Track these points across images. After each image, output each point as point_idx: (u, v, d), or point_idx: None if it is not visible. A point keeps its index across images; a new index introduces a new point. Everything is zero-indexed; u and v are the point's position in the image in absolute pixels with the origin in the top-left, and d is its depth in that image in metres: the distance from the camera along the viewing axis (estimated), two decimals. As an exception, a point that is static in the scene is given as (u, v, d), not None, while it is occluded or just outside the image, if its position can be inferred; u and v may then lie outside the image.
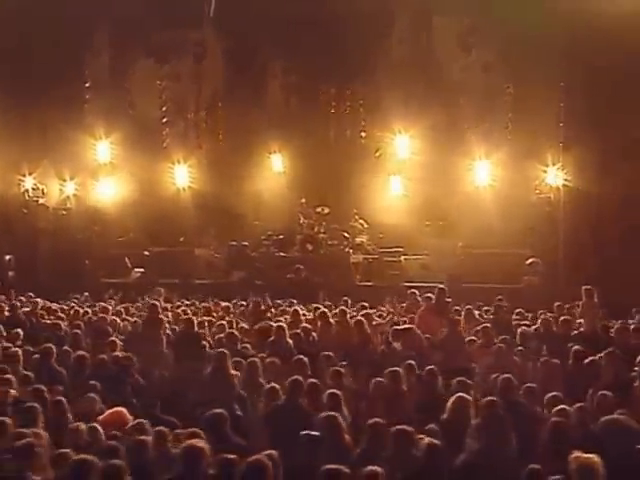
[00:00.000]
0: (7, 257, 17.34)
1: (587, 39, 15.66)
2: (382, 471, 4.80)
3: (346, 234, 18.01)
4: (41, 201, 18.25)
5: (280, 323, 9.86)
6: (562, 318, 9.75)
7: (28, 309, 11.65)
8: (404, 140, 18.46)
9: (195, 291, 15.16)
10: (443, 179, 17.98)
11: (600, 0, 15.54)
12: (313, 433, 5.45)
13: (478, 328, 9.45)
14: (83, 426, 5.76)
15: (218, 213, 18.76)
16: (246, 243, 17.84)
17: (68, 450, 5.17)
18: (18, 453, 5.00)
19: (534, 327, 9.78)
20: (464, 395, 6.31)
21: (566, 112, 16.73)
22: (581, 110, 16.26)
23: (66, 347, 8.52)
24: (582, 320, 9.85)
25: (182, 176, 18.86)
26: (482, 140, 17.88)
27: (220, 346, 8.51)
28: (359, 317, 10.14)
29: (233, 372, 7.53)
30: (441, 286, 11.16)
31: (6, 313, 11.17)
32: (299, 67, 19.43)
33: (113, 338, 9.05)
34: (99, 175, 18.85)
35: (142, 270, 17.40)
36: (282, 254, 17.91)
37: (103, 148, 18.61)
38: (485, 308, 11.66)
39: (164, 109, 19.61)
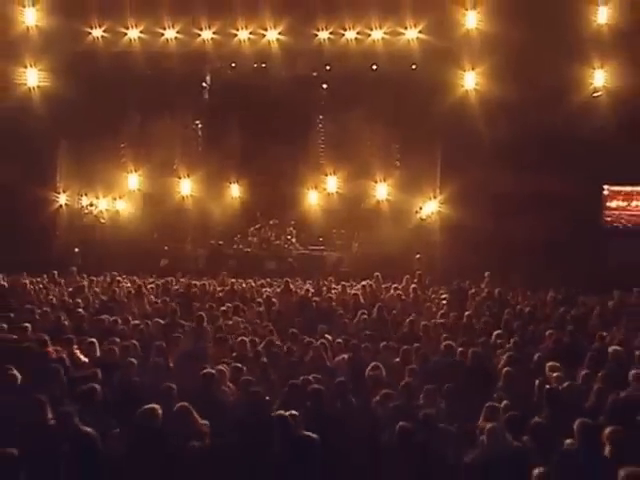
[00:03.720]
0: (76, 249, 20.24)
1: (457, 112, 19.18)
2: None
3: (289, 236, 21.49)
4: (94, 213, 21.48)
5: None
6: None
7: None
8: (332, 179, 21.62)
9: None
10: (353, 197, 21.55)
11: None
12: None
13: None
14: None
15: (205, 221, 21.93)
16: (221, 242, 21.24)
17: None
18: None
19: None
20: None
21: (442, 161, 20.15)
22: (452, 161, 19.58)
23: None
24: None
25: (185, 189, 21.84)
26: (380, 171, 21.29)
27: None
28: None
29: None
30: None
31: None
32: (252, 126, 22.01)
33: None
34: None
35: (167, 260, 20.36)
36: (246, 250, 21.26)
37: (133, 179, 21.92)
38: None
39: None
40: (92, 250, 20.25)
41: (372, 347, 8.81)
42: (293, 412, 5.30)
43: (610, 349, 8.46)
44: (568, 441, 5.20)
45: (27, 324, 9.62)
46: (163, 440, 4.98)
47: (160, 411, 5.22)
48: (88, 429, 5.01)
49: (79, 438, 4.87)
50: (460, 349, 8.59)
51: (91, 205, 21.48)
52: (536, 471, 4.56)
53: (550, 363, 7.76)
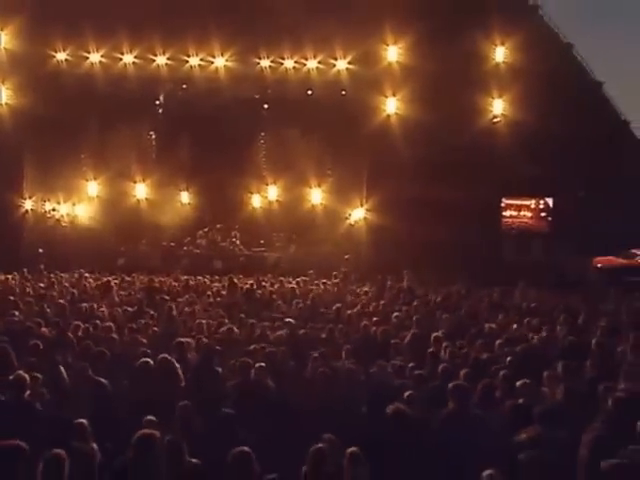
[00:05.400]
0: (40, 250, 21.13)
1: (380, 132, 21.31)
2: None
3: (233, 239, 23.04)
4: (57, 217, 22.58)
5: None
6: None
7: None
8: (273, 188, 23.52)
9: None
10: (290, 204, 23.11)
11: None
12: None
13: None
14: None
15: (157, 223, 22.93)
16: (173, 243, 22.69)
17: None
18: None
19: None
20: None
21: (368, 174, 22.16)
22: (376, 173, 21.48)
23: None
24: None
25: (139, 193, 23.11)
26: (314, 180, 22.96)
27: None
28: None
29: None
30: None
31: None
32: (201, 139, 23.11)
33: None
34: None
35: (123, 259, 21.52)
36: (196, 251, 22.74)
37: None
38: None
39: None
40: (54, 251, 21.28)
41: (305, 326, 10.51)
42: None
43: (486, 326, 10.47)
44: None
45: (16, 312, 10.96)
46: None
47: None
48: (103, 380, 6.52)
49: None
50: (373, 328, 10.37)
51: (53, 210, 22.57)
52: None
53: (438, 335, 9.56)
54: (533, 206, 23.32)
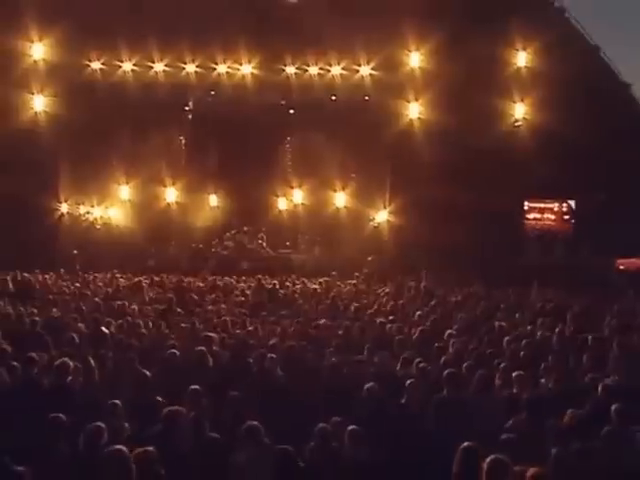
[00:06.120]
0: (75, 251, 21.92)
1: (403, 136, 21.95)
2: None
3: (260, 241, 23.84)
4: (90, 220, 23.54)
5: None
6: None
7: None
8: (298, 191, 24.20)
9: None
10: (315, 206, 23.73)
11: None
12: None
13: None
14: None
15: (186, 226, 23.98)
16: (201, 245, 23.51)
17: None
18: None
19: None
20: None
21: (391, 177, 22.88)
22: (399, 177, 22.19)
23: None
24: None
25: (169, 197, 23.92)
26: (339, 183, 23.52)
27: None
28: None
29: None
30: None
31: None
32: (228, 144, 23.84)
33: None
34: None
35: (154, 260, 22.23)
36: (224, 252, 23.45)
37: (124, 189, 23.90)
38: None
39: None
40: (89, 252, 22.20)
41: (323, 325, 11.14)
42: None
43: (496, 324, 10.95)
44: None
45: (54, 309, 11.81)
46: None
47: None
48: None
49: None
50: (389, 325, 10.95)
51: (88, 213, 23.56)
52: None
53: (451, 332, 10.11)
54: (556, 209, 23.60)
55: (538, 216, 23.12)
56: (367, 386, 6.13)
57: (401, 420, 5.91)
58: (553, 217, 23.61)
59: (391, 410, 5.92)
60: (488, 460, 4.40)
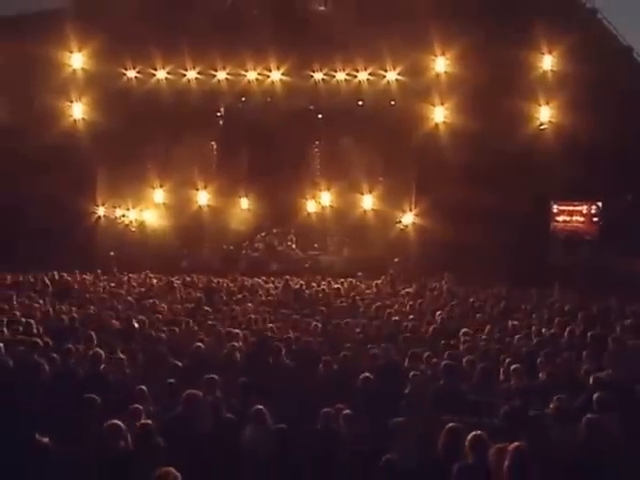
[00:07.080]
0: (111, 253, 22.71)
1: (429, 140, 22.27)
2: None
3: (289, 243, 24.53)
4: (126, 222, 24.53)
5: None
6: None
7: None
8: (326, 194, 24.66)
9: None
10: (343, 209, 24.24)
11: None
12: None
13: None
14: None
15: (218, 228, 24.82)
16: (232, 247, 24.32)
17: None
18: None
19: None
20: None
21: (417, 180, 23.17)
22: (425, 180, 22.43)
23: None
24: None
25: (202, 200, 24.77)
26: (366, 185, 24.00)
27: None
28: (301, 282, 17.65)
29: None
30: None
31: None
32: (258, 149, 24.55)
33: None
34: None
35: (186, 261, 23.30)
36: (254, 254, 24.26)
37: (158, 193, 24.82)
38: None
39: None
40: (124, 253, 23.16)
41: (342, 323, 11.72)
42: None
43: (509, 323, 11.39)
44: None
45: (91, 306, 12.66)
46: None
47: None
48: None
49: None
50: (405, 323, 11.46)
51: (123, 216, 24.56)
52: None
53: (465, 330, 10.58)
54: (585, 211, 23.70)
55: (567, 218, 23.31)
56: (362, 376, 6.71)
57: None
58: (582, 219, 23.71)
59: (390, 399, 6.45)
60: (469, 437, 4.94)
